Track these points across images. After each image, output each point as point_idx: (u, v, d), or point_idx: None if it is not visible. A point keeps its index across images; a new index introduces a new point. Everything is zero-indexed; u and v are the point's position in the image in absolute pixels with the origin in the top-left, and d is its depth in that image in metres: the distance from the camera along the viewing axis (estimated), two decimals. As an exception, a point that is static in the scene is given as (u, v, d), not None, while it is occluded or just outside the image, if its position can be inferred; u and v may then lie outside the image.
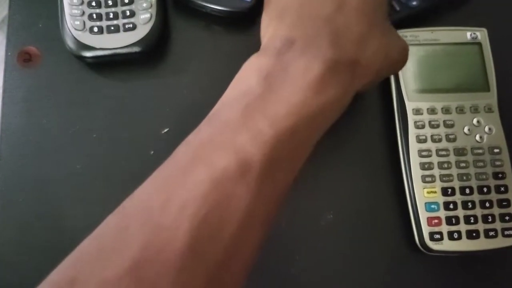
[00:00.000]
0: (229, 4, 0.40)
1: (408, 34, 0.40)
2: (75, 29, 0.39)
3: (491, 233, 0.36)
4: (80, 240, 0.37)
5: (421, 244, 0.36)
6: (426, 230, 0.36)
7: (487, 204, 0.37)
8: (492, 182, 0.37)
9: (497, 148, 0.38)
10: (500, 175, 0.37)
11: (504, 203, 0.37)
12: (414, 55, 0.39)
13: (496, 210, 0.37)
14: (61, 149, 0.39)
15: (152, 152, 0.39)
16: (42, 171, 0.38)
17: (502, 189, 0.37)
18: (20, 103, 0.40)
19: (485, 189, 0.37)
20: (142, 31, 0.39)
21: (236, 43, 0.42)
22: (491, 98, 0.39)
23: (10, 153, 0.39)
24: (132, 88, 0.41)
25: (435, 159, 0.37)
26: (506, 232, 0.36)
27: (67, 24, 0.39)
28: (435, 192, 0.37)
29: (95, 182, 0.38)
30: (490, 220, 0.36)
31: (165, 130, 0.38)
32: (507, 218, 0.37)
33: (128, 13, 0.39)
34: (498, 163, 0.37)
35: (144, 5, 0.39)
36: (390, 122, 0.40)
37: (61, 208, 0.38)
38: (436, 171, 0.37)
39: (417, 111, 0.38)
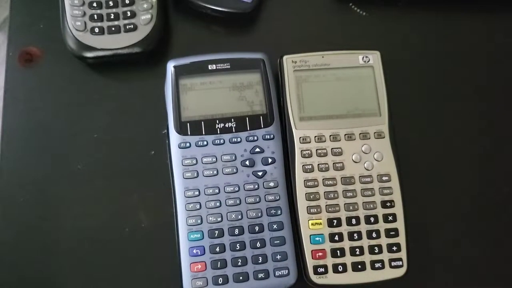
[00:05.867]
0: (229, 5, 0.41)
1: (297, 59, 0.37)
2: (76, 29, 0.39)
3: (378, 265, 0.35)
4: (80, 240, 0.37)
5: (306, 278, 0.35)
6: (310, 263, 0.34)
7: (374, 235, 0.35)
8: (380, 211, 0.35)
9: (386, 175, 0.36)
10: (388, 204, 0.35)
11: (392, 233, 0.35)
12: (303, 81, 0.37)
13: (383, 240, 0.35)
14: (61, 149, 0.39)
15: (152, 152, 0.39)
16: (42, 171, 0.38)
17: (391, 218, 0.35)
18: (21, 103, 0.40)
19: (372, 219, 0.35)
20: (142, 32, 0.39)
21: (236, 43, 0.43)
22: (382, 123, 0.37)
23: (11, 153, 0.39)
24: (132, 88, 0.41)
25: (321, 189, 0.35)
26: (394, 263, 0.35)
27: (68, 24, 0.39)
28: (320, 223, 0.35)
29: (95, 182, 0.38)
30: (376, 251, 0.35)
31: (165, 131, 0.38)
32: (394, 248, 0.35)
33: (129, 14, 0.39)
34: (386, 191, 0.36)
35: (145, 6, 0.39)
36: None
37: (61, 208, 0.38)
38: (322, 202, 0.35)
39: (304, 140, 0.36)
